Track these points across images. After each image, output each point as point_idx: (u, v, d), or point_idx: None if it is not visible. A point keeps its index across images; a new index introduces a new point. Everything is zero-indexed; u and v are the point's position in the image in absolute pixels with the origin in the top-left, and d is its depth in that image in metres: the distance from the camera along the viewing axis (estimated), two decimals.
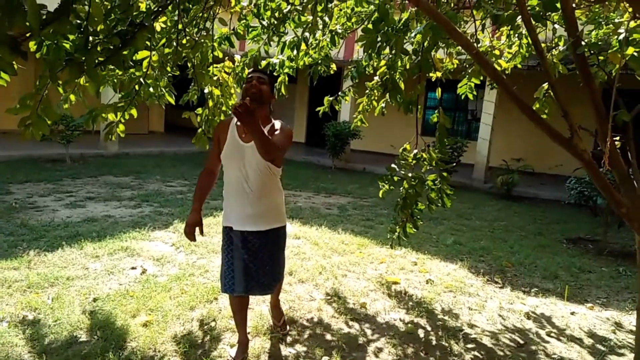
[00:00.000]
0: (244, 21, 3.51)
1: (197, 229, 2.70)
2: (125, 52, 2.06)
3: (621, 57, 2.54)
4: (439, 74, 3.87)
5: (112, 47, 1.96)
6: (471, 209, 7.99)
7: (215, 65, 3.46)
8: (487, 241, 5.99)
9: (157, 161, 10.55)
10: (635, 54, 2.60)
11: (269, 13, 3.39)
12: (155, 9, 2.44)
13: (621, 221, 5.84)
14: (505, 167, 10.11)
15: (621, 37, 2.48)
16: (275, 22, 3.41)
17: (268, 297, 3.70)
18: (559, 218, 7.87)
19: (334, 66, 4.02)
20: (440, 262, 4.98)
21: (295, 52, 3.64)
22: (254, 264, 2.66)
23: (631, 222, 2.51)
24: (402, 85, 3.47)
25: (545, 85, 3.82)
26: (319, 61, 3.94)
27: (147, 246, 4.66)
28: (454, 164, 10.02)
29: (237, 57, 3.70)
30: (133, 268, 4.07)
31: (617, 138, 2.86)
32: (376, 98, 4.07)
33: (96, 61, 1.86)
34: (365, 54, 3.72)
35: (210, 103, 3.55)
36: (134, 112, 2.82)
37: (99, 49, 1.90)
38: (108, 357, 2.69)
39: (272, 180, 2.69)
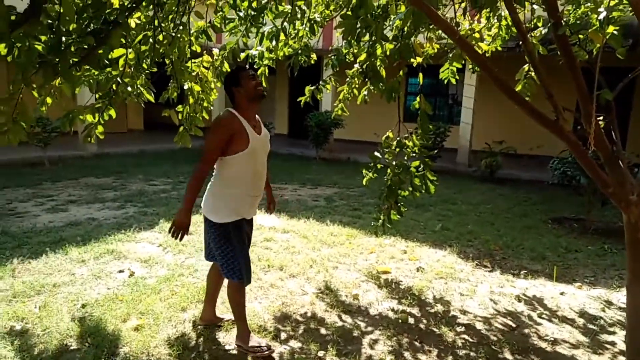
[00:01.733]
0: (221, 13, 3.43)
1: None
2: (100, 51, 1.99)
3: (602, 36, 2.54)
4: (419, 60, 3.85)
5: (86, 46, 1.89)
6: (456, 194, 8.04)
7: (193, 60, 3.39)
8: (474, 225, 6.03)
9: (138, 160, 10.38)
10: (615, 32, 2.61)
11: (245, 4, 3.31)
12: (129, 5, 2.36)
13: (604, 199, 5.92)
14: (488, 150, 10.18)
15: (601, 16, 2.47)
16: (253, 12, 3.34)
17: (261, 294, 3.69)
18: (543, 199, 7.97)
19: (314, 56, 3.96)
20: (429, 248, 5.00)
21: (274, 42, 3.57)
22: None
23: (618, 201, 2.52)
24: (383, 73, 3.44)
25: (526, 67, 3.82)
26: (299, 51, 3.88)
27: (133, 248, 4.58)
28: (437, 150, 10.06)
29: (216, 51, 3.62)
30: (120, 271, 3.99)
31: (601, 118, 2.87)
32: (357, 86, 4.03)
33: (70, 62, 1.80)
34: (345, 41, 3.67)
35: (191, 100, 3.48)
36: (112, 112, 2.74)
37: (72, 49, 1.83)
38: None
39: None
